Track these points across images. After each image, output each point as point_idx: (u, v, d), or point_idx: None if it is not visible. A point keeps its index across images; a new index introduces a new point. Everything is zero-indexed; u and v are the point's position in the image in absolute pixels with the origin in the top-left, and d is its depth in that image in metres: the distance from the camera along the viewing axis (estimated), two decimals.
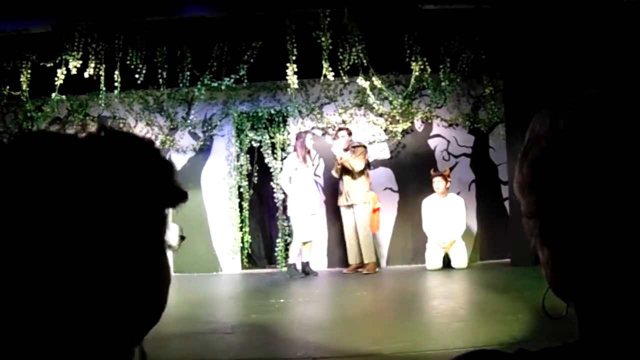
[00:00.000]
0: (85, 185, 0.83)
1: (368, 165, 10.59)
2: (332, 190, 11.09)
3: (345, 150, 10.35)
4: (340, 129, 10.68)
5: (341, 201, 10.55)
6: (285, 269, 10.77)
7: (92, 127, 0.90)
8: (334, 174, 10.58)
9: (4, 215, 0.81)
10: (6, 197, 0.82)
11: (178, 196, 0.95)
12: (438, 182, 10.47)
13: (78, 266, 0.82)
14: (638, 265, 0.73)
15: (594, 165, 0.75)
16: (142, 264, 0.90)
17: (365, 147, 10.70)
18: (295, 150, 10.40)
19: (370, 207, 10.42)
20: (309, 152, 10.36)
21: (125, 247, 0.86)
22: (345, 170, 10.40)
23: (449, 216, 10.43)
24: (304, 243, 10.29)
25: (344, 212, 10.59)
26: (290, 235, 10.84)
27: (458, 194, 10.89)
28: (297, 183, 10.24)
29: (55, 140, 0.87)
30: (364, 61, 10.81)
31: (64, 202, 0.81)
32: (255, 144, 11.63)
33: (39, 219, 0.81)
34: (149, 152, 0.93)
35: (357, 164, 10.29)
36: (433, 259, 10.38)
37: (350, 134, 10.62)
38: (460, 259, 10.33)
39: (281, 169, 10.94)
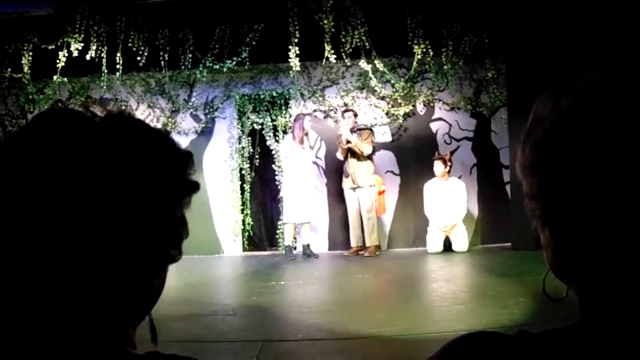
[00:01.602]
0: (98, 173, 0.84)
1: (374, 149, 10.59)
2: (333, 173, 11.10)
3: (351, 131, 10.33)
4: (346, 110, 10.67)
5: (346, 184, 10.54)
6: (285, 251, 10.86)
7: (97, 109, 0.92)
8: (339, 156, 10.56)
9: (17, 191, 0.83)
10: (18, 175, 0.83)
11: (190, 188, 0.97)
12: (437, 165, 10.48)
13: (87, 250, 0.83)
14: (638, 247, 0.74)
15: (596, 147, 0.75)
16: (151, 258, 0.91)
17: (371, 129, 10.71)
18: (292, 132, 10.41)
19: (375, 190, 10.44)
20: (307, 134, 10.35)
21: (135, 237, 0.87)
22: (351, 153, 10.38)
23: (450, 200, 10.44)
24: (303, 224, 10.37)
25: (348, 194, 10.59)
26: None
27: (459, 177, 10.89)
28: (292, 165, 10.26)
29: (76, 121, 0.88)
30: (366, 44, 10.78)
31: (79, 186, 0.83)
32: (257, 127, 11.63)
33: (53, 200, 0.82)
34: (167, 145, 0.95)
35: (366, 148, 10.27)
36: (434, 242, 10.40)
37: (356, 115, 10.60)
38: (461, 242, 10.35)
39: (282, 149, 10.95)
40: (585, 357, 0.76)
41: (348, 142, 10.24)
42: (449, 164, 10.56)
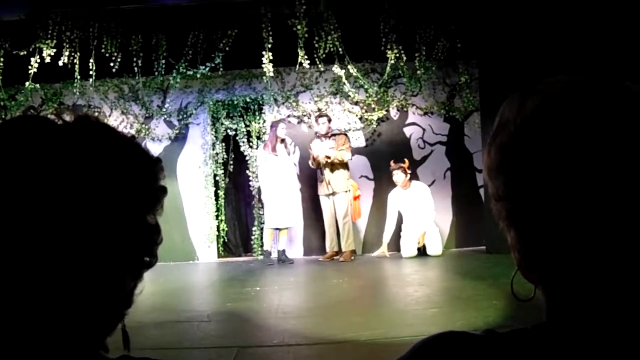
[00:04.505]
0: (67, 180, 0.84)
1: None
2: (308, 179, 11.09)
3: (326, 136, 10.35)
4: (320, 116, 10.66)
5: (322, 190, 10.53)
6: (261, 257, 10.82)
7: (69, 117, 0.91)
8: (312, 164, 10.56)
9: None
10: None
11: (161, 193, 0.97)
12: (397, 175, 10.43)
13: (60, 257, 0.83)
14: (602, 246, 0.75)
15: (560, 149, 0.76)
16: (125, 265, 0.91)
17: (346, 134, 10.70)
18: (267, 140, 10.43)
19: (350, 195, 10.46)
20: (282, 140, 10.33)
21: (108, 244, 0.87)
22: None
23: (416, 207, 10.44)
24: (280, 230, 10.34)
25: (323, 200, 10.59)
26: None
27: (433, 182, 10.96)
28: (269, 172, 10.25)
29: (42, 127, 0.88)
30: (340, 49, 10.80)
31: (48, 194, 0.82)
32: (230, 132, 11.63)
33: (21, 208, 0.81)
34: (136, 150, 0.94)
35: (346, 155, 10.34)
36: (408, 247, 10.42)
37: (329, 120, 10.60)
38: (435, 246, 10.39)
39: (256, 158, 10.93)
40: (550, 355, 0.78)
41: (328, 157, 10.23)
42: (409, 172, 10.54)
